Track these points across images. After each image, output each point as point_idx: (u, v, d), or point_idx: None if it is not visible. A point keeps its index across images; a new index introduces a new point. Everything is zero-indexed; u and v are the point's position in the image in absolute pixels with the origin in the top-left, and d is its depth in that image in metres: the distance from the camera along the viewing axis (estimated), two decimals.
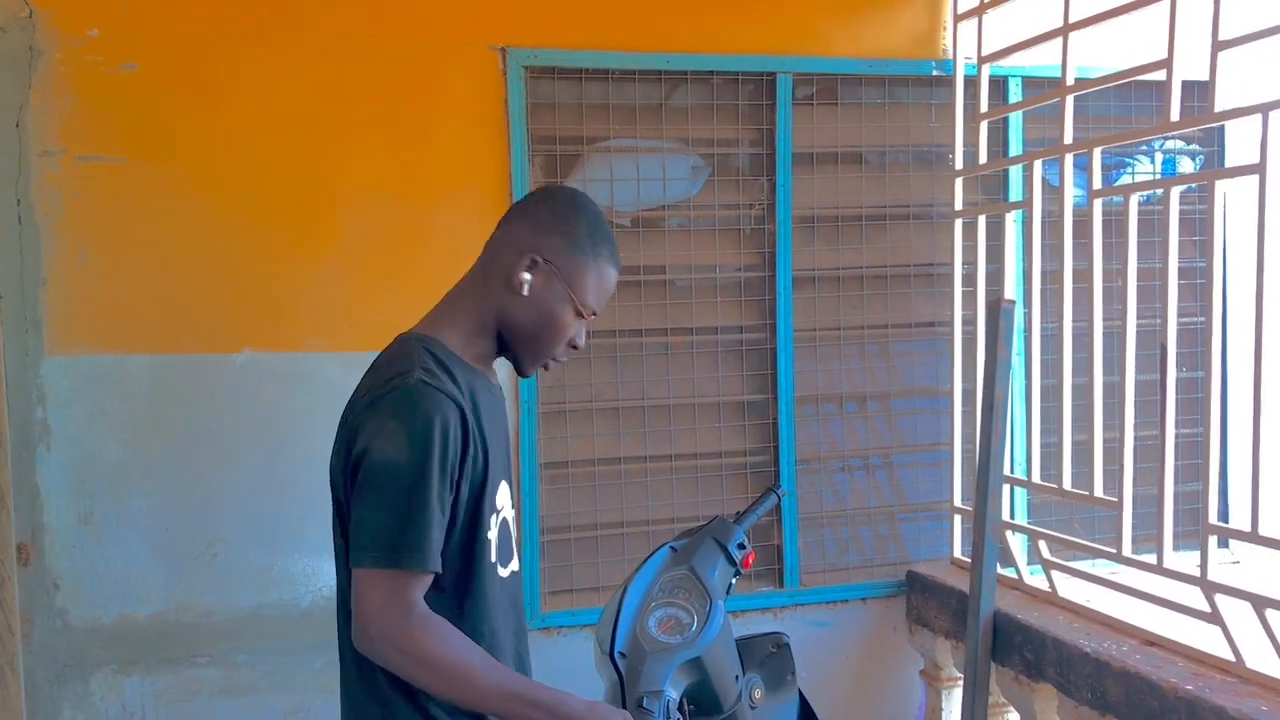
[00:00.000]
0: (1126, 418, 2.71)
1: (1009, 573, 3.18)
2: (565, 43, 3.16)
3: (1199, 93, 3.51)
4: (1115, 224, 2.79)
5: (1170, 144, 3.81)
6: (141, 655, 2.93)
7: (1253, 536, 2.38)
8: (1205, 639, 2.53)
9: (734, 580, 2.51)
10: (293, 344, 3.00)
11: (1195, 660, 2.51)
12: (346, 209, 3.03)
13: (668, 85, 3.31)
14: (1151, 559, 2.65)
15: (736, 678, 2.42)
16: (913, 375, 3.56)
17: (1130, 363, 2.71)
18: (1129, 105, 3.63)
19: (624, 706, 1.92)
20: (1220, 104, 2.46)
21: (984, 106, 3.27)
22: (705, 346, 3.37)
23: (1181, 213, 2.64)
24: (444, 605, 1.57)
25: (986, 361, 2.99)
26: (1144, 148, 3.76)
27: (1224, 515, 3.63)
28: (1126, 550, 2.72)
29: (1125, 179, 3.66)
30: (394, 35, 3.04)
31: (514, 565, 1.76)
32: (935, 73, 3.47)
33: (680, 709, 2.28)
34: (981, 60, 3.25)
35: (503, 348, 1.73)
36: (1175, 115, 2.57)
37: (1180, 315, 2.65)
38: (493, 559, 1.66)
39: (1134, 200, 2.69)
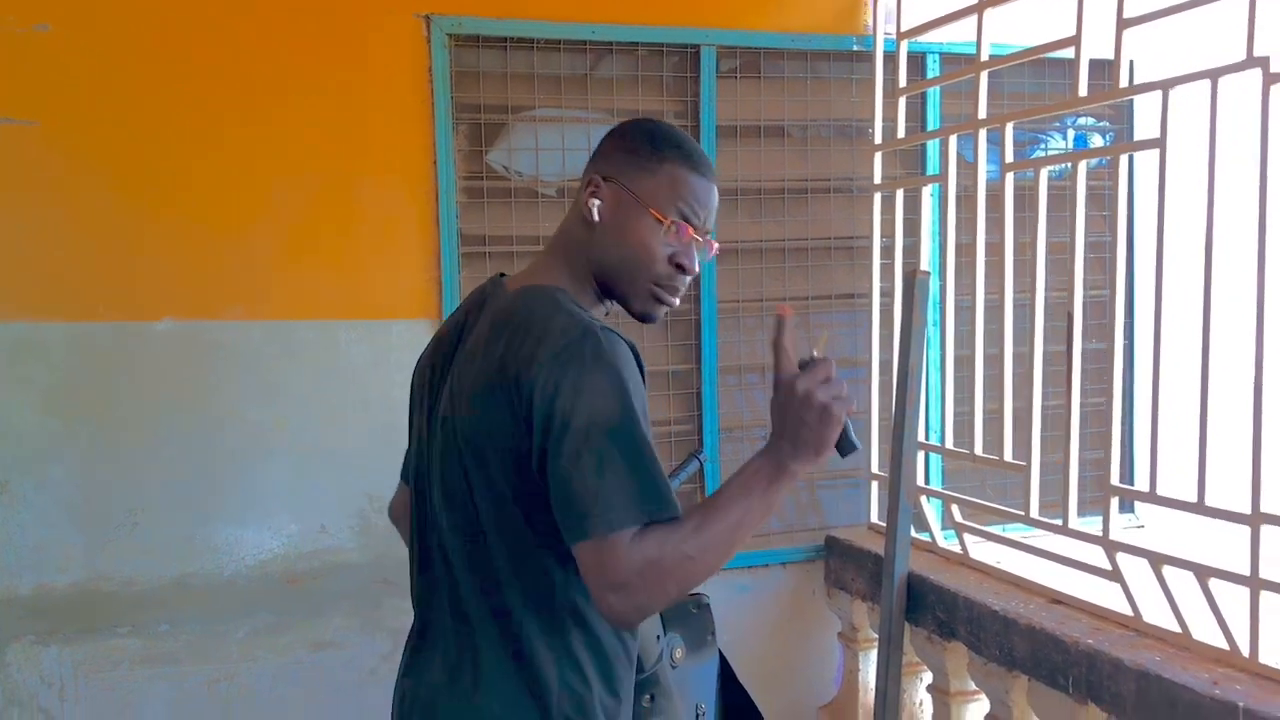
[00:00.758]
0: (1035, 386, 2.81)
1: (924, 537, 3.27)
2: (490, 11, 3.16)
3: (1110, 71, 3.65)
4: (1030, 198, 2.87)
5: (1083, 121, 3.92)
6: (60, 625, 2.90)
7: (1151, 496, 2.49)
8: (1109, 597, 2.64)
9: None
10: (214, 312, 2.98)
11: (1097, 616, 2.62)
12: (267, 176, 3.00)
13: (593, 55, 3.33)
14: (1059, 522, 2.75)
15: (658, 638, 2.48)
16: (833, 345, 3.63)
17: (1039, 333, 2.80)
18: (1044, 82, 3.73)
19: None
20: (1140, 81, 2.54)
21: (902, 82, 3.34)
22: (629, 318, 3.39)
23: (1094, 188, 2.74)
24: None
25: (902, 332, 3.07)
26: (1057, 124, 3.87)
27: (1132, 480, 3.77)
28: (1034, 513, 2.82)
29: (1040, 155, 3.76)
30: (317, 1, 3.02)
31: None
32: (856, 48, 3.53)
33: None
34: (900, 36, 3.32)
35: (607, 293, 1.61)
36: (1083, 91, 2.65)
37: (1091, 288, 2.76)
38: None
39: (1044, 174, 2.78)
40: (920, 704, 3.26)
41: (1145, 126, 3.68)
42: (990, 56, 3.00)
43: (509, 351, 1.44)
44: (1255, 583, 2.21)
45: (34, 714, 2.90)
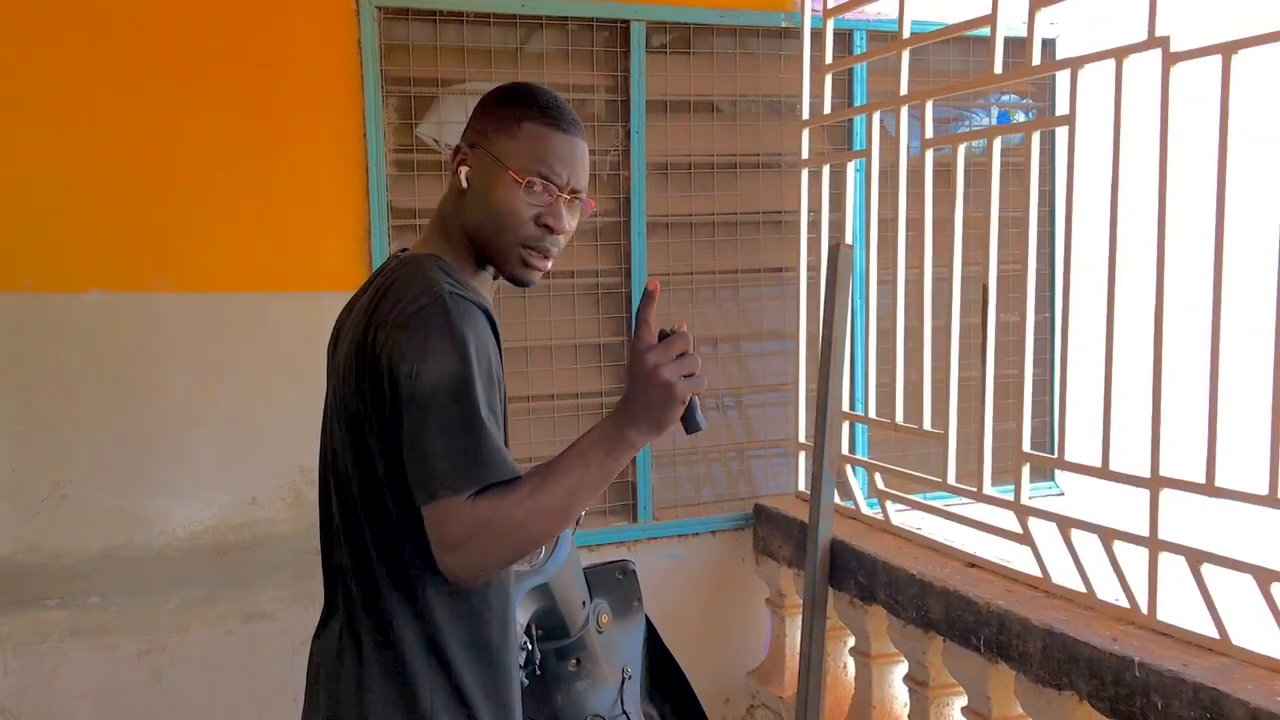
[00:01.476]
0: (952, 358, 2.89)
1: (848, 505, 3.36)
2: None
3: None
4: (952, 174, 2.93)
5: (1006, 99, 4.01)
6: None
7: (1059, 462, 2.58)
8: (1024, 562, 2.73)
9: (584, 512, 2.62)
10: (141, 284, 2.97)
11: (1009, 579, 2.71)
12: (194, 148, 2.99)
13: (523, 30, 3.35)
14: (975, 489, 2.84)
15: (584, 603, 2.53)
16: (762, 318, 3.70)
17: (955, 306, 2.88)
18: (969, 60, 3.81)
19: None
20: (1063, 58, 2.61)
21: (829, 58, 3.39)
22: (562, 290, 3.45)
23: (1019, 164, 2.78)
24: None
25: (826, 304, 3.14)
26: (982, 102, 3.96)
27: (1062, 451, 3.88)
28: (951, 479, 2.91)
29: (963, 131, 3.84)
30: None
31: None
32: (785, 24, 3.58)
33: (528, 633, 2.39)
34: (827, 14, 3.37)
35: (484, 259, 1.62)
36: (998, 69, 2.72)
37: (1012, 262, 2.83)
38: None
39: (961, 150, 2.85)
40: (844, 667, 3.35)
41: (1066, 104, 3.77)
42: (913, 34, 3.06)
43: (372, 320, 1.49)
44: (1154, 544, 2.30)
45: None
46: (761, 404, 3.75)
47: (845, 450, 3.29)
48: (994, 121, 3.92)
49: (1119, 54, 2.34)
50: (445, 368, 1.40)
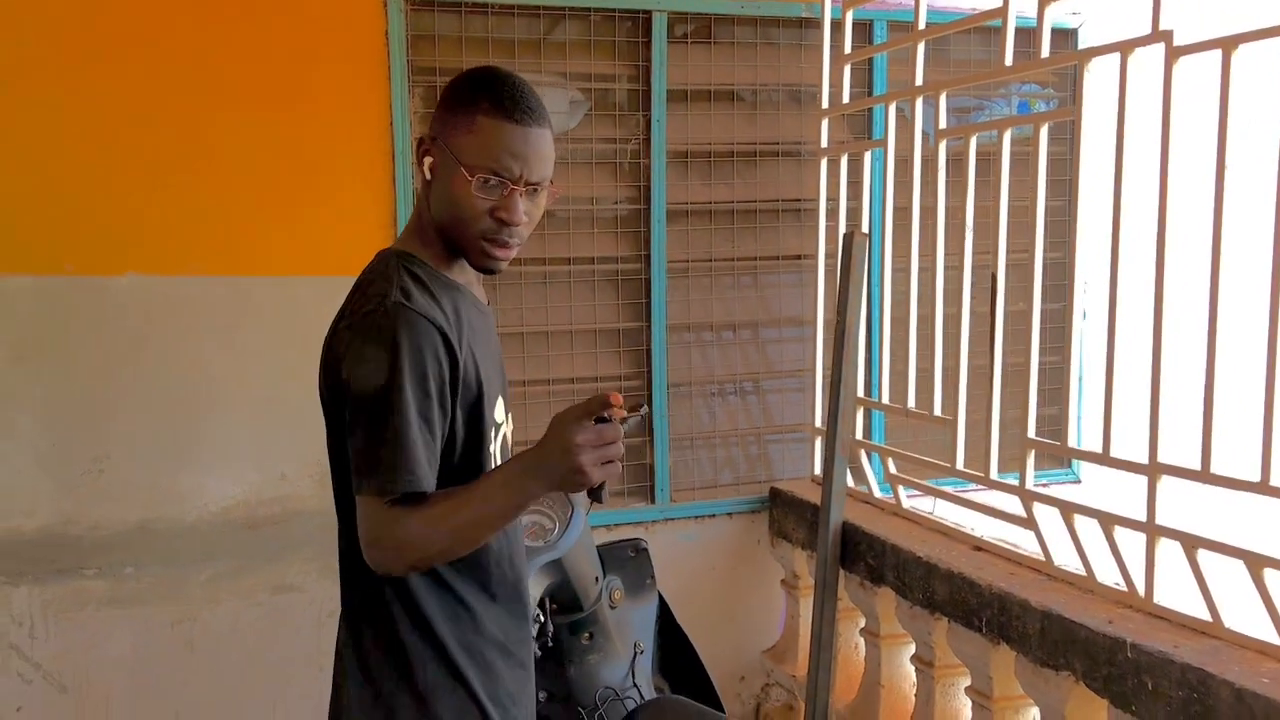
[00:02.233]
0: (963, 345, 2.94)
1: (862, 489, 3.42)
2: None
3: (1054, 41, 3.75)
4: (982, 164, 2.95)
5: (1027, 89, 4.03)
6: (29, 567, 3.03)
7: (1063, 449, 2.64)
8: (1032, 545, 2.77)
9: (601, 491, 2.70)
10: (176, 268, 3.08)
11: (1013, 562, 2.76)
12: (227, 136, 3.09)
13: (547, 20, 3.42)
14: (983, 474, 2.89)
15: (596, 579, 2.62)
16: (780, 305, 3.76)
17: (966, 294, 2.93)
18: (990, 50, 3.83)
19: None
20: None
21: (848, 48, 3.44)
22: (582, 276, 3.52)
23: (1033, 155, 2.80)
24: None
25: (840, 290, 3.19)
26: (1002, 92, 3.98)
27: (1079, 441, 3.92)
28: (960, 464, 2.96)
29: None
30: None
31: None
32: (805, 14, 3.63)
33: (541, 606, 2.48)
34: (846, 4, 3.41)
35: (453, 248, 1.64)
36: (1009, 61, 2.77)
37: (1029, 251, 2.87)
38: None
39: (973, 140, 2.89)
40: (856, 646, 3.41)
41: (1090, 95, 3.79)
42: (930, 24, 3.10)
43: (338, 318, 1.60)
44: (1151, 529, 2.35)
45: (5, 651, 3.03)
46: (779, 389, 3.81)
47: (862, 436, 3.35)
48: (1014, 111, 3.94)
49: (1123, 47, 2.38)
50: (374, 377, 1.48)
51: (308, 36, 3.14)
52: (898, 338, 3.25)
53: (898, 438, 3.76)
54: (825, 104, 3.52)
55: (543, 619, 2.46)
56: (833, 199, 3.53)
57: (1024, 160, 2.77)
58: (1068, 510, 2.58)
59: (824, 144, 3.54)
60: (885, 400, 3.30)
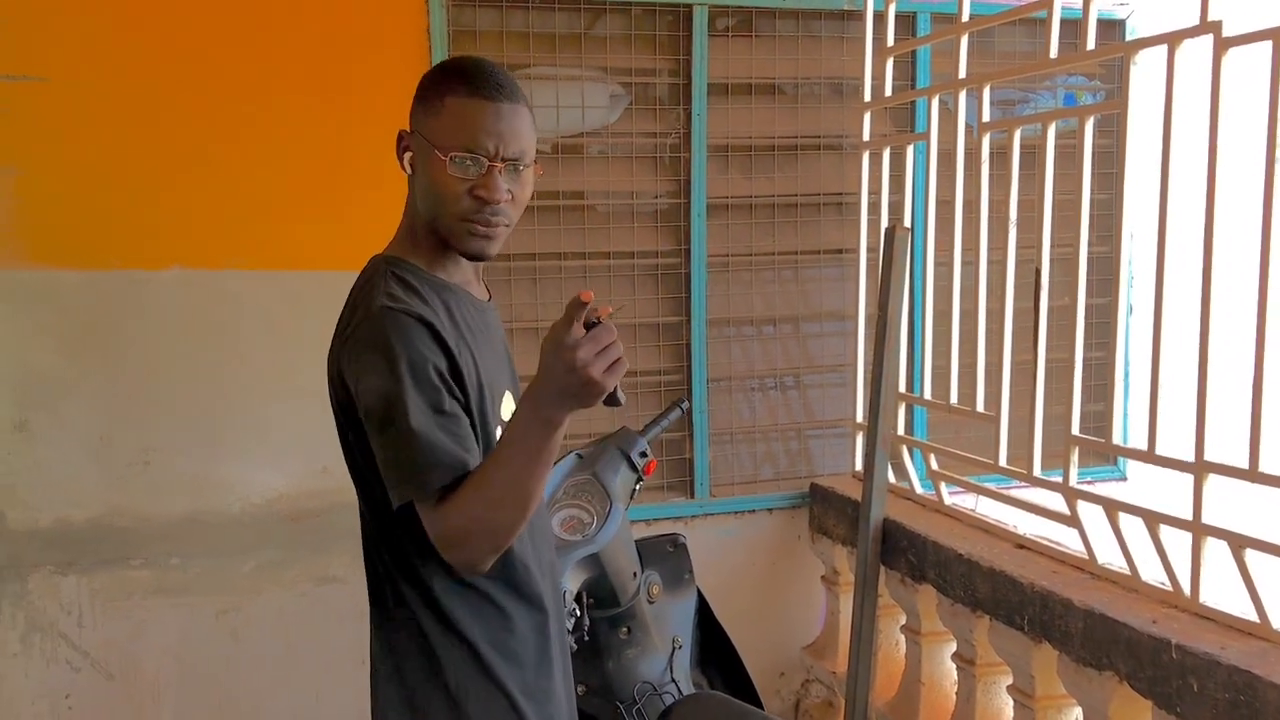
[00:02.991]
0: (1005, 340, 2.91)
1: (904, 485, 3.39)
2: None
3: (1102, 32, 3.70)
4: (1026, 157, 2.91)
5: (1074, 80, 3.98)
6: (78, 557, 3.08)
7: (1107, 446, 2.60)
8: (1076, 543, 2.74)
9: (638, 486, 2.70)
10: (220, 262, 3.12)
11: (1056, 560, 2.73)
12: (270, 133, 3.13)
13: (588, 15, 3.42)
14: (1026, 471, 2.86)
15: (635, 574, 2.62)
16: (821, 299, 3.74)
17: (1010, 288, 2.89)
18: (1035, 42, 3.79)
19: None
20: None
21: (890, 41, 3.41)
22: (622, 270, 3.52)
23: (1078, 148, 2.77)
24: None
25: (882, 284, 3.17)
26: (1048, 84, 3.93)
27: (1125, 438, 3.88)
28: (1002, 461, 2.93)
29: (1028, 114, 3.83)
30: None
31: None
32: (847, 7, 3.60)
33: (579, 600, 2.49)
34: None
35: (442, 242, 1.61)
36: (1054, 53, 2.73)
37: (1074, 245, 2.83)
38: None
39: (1017, 133, 2.86)
40: (896, 644, 3.39)
41: (1136, 87, 3.73)
42: (973, 16, 3.06)
43: (336, 329, 1.59)
44: (1198, 528, 2.31)
45: (54, 639, 3.08)
46: (820, 384, 3.79)
47: (903, 431, 3.33)
48: (1059, 104, 3.89)
49: (1171, 39, 2.34)
50: (377, 385, 1.47)
51: (351, 34, 3.16)
52: (940, 332, 3.23)
53: (940, 434, 3.72)
54: (867, 97, 3.49)
55: (580, 613, 2.47)
56: (874, 192, 3.50)
57: (1069, 153, 2.74)
58: (1111, 508, 2.55)
59: (866, 137, 3.51)
60: (927, 396, 3.27)
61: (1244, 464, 2.22)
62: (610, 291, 3.50)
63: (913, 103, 3.65)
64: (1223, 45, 2.23)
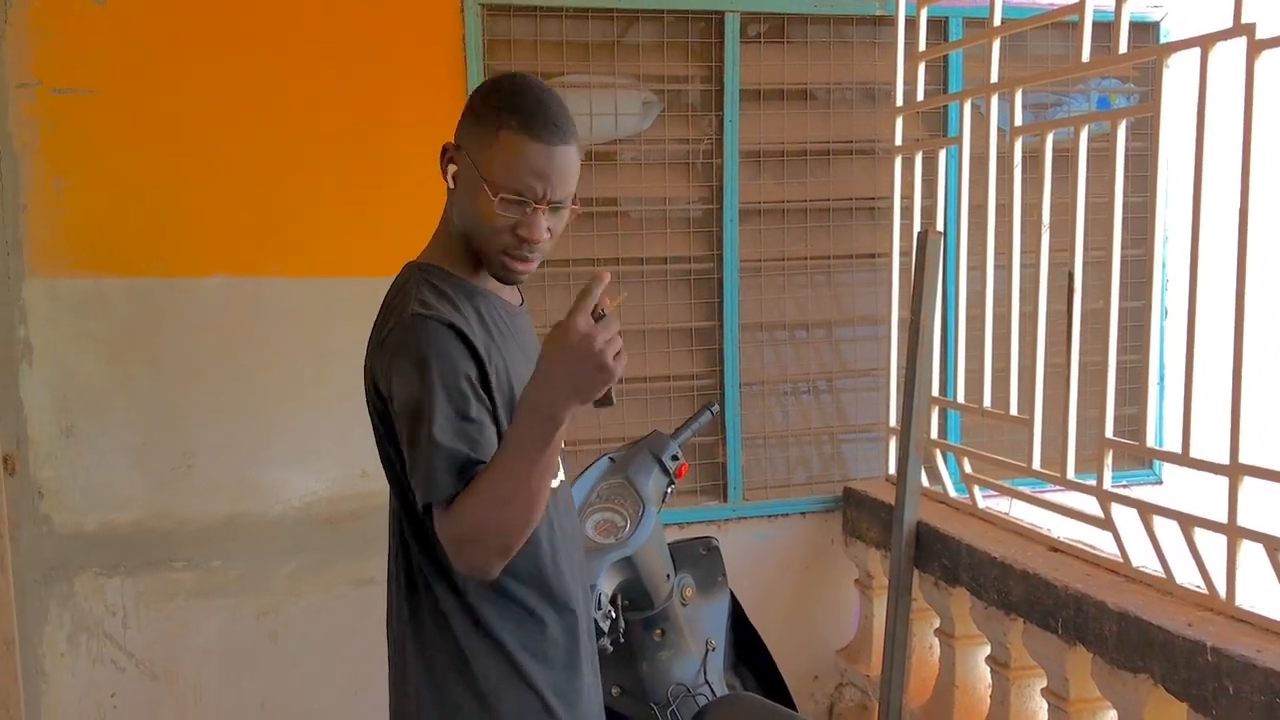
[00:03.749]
0: (1039, 344, 2.91)
1: (937, 489, 3.40)
2: None
3: (1136, 35, 3.69)
4: (1059, 160, 2.91)
5: (1107, 84, 3.97)
6: (122, 559, 3.14)
7: (1140, 449, 2.60)
8: (1110, 546, 2.73)
9: (670, 489, 2.73)
10: (260, 269, 3.17)
11: (1090, 563, 2.73)
12: (308, 143, 3.18)
13: (620, 23, 3.45)
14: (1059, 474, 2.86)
15: (668, 576, 2.64)
16: (855, 304, 3.75)
17: (1043, 292, 2.89)
18: (1068, 46, 3.78)
19: None
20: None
21: (922, 45, 3.42)
22: (655, 276, 3.55)
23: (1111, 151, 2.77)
24: None
25: (915, 289, 3.18)
26: (1081, 87, 3.93)
27: (1160, 441, 3.86)
28: (1036, 464, 2.93)
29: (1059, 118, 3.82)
30: None
31: (560, 475, 1.76)
32: (879, 12, 3.62)
33: (613, 602, 2.51)
34: (921, 1, 3.40)
35: (476, 256, 1.64)
36: (1086, 56, 2.73)
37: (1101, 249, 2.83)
38: None
39: (1050, 137, 2.86)
40: (930, 647, 3.39)
41: (1172, 89, 3.72)
42: (1005, 20, 3.07)
43: (371, 335, 1.62)
44: (1233, 531, 2.31)
45: (100, 639, 3.15)
46: (854, 388, 3.80)
47: (937, 435, 3.33)
48: (1092, 107, 3.88)
49: (1204, 42, 2.34)
50: (406, 392, 1.50)
51: (388, 48, 3.21)
52: (973, 336, 3.23)
53: (973, 437, 3.72)
54: (899, 102, 3.50)
55: (614, 615, 2.49)
56: (907, 197, 3.51)
57: (1102, 156, 2.74)
58: (1146, 511, 2.54)
59: (898, 142, 3.52)
60: (961, 399, 3.28)
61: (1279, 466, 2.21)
62: (643, 297, 3.53)
63: (945, 107, 3.66)
64: (1256, 48, 2.23)
